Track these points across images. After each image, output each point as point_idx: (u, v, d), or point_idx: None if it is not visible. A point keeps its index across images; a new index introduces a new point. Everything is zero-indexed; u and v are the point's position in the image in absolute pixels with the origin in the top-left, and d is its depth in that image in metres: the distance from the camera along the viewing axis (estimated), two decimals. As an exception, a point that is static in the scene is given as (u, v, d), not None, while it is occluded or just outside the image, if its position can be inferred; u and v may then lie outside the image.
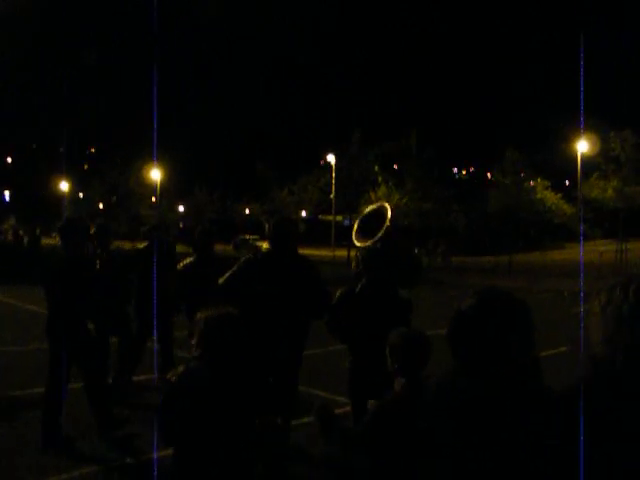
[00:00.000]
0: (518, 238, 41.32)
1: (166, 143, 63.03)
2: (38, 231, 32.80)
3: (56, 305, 6.41)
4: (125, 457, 6.24)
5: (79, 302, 6.39)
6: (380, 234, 5.86)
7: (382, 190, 46.49)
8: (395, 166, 51.64)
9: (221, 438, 3.41)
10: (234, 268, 5.67)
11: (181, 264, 7.83)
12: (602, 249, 36.13)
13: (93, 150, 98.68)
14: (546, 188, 47.48)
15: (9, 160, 79.40)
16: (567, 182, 54.27)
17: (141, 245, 8.79)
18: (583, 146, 47.58)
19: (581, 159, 47.46)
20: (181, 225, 65.60)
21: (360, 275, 5.78)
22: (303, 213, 55.92)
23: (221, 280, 5.62)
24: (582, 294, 19.37)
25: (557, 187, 51.08)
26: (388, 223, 5.96)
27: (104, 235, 8.40)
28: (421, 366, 3.54)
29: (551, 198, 46.95)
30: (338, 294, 5.71)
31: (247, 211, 66.43)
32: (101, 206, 67.06)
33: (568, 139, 48.26)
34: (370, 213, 6.26)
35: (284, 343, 5.52)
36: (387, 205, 6.17)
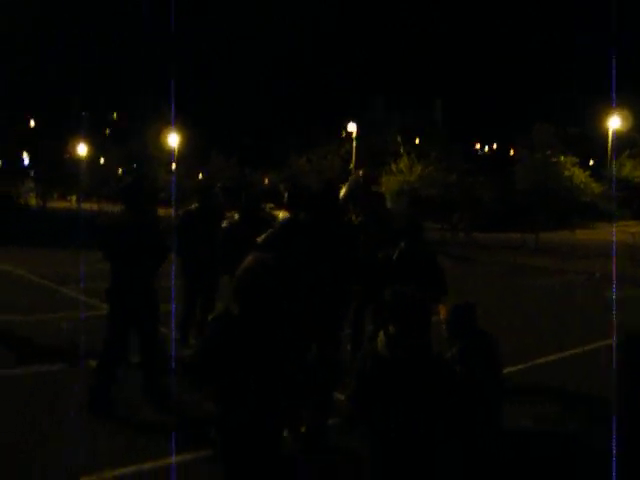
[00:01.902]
0: (545, 215, 39.73)
1: (185, 109, 62.08)
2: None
3: (122, 269, 6.45)
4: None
5: (148, 265, 6.53)
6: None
7: (404, 161, 45.00)
8: (417, 140, 50.01)
9: (252, 378, 3.52)
10: (273, 230, 5.71)
11: (225, 222, 8.11)
12: (634, 230, 34.54)
13: (115, 116, 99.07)
14: (575, 165, 45.82)
15: (32, 124, 79.05)
16: (592, 161, 52.44)
17: (193, 207, 8.82)
18: (615, 122, 45.84)
19: (612, 136, 45.76)
20: (219, 185, 64.33)
21: (396, 240, 6.11)
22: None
23: (260, 239, 5.65)
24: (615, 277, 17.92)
25: (584, 165, 49.45)
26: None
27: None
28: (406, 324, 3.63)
29: (580, 175, 45.29)
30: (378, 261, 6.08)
31: (266, 181, 65.58)
32: (120, 171, 66.85)
33: (599, 115, 46.56)
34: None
35: (323, 313, 5.47)
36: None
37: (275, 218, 7.64)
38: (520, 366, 8.87)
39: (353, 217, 6.92)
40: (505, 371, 8.17)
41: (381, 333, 3.74)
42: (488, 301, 14.20)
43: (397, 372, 3.62)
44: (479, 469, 4.41)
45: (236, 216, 7.97)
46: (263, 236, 5.70)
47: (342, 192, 6.72)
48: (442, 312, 4.52)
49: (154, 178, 56.97)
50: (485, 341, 4.60)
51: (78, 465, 5.25)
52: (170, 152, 57.45)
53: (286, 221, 5.78)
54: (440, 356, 3.96)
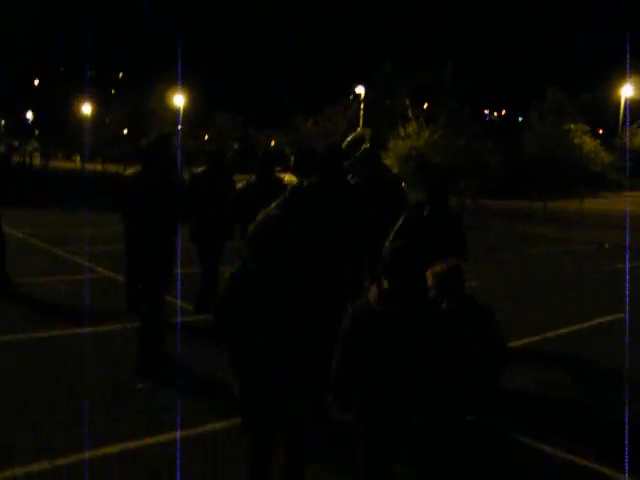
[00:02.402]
0: (553, 183, 39.26)
1: (190, 68, 61.30)
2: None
3: (140, 230, 6.51)
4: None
5: (166, 227, 6.55)
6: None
7: (412, 126, 44.34)
8: (425, 105, 49.24)
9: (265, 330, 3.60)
10: (284, 195, 5.59)
11: (239, 185, 7.96)
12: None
13: (120, 75, 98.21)
14: (585, 133, 45.19)
15: (36, 82, 78.48)
16: (601, 130, 51.70)
17: (200, 169, 8.75)
18: (628, 90, 45.14)
19: (625, 104, 45.11)
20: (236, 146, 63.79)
21: (422, 204, 6.05)
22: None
23: (272, 206, 5.43)
24: (627, 248, 17.57)
25: (595, 133, 48.79)
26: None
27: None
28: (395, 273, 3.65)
29: (590, 144, 44.68)
30: (400, 221, 6.01)
31: (272, 142, 65.03)
32: (125, 132, 66.38)
33: (612, 82, 45.83)
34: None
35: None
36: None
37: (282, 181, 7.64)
38: (531, 338, 8.57)
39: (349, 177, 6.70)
40: (518, 343, 8.07)
41: (373, 287, 3.75)
42: (497, 272, 13.91)
43: (389, 326, 3.65)
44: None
45: (252, 178, 7.77)
46: (275, 203, 5.57)
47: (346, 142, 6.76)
48: (429, 276, 4.34)
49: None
50: (474, 308, 4.37)
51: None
52: (175, 112, 56.90)
53: (296, 187, 5.72)
54: (433, 314, 4.04)
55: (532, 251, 18.17)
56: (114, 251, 11.90)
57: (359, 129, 7.44)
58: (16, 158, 60.76)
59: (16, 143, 65.88)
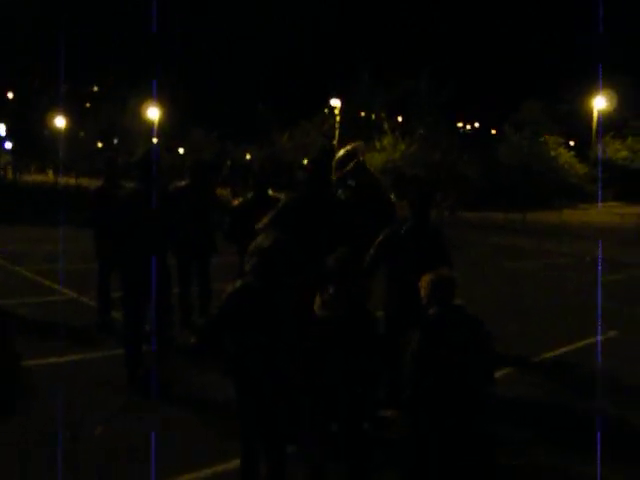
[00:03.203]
0: (531, 195, 39.28)
1: (165, 83, 60.77)
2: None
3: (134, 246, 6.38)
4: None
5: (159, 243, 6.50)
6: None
7: (388, 139, 44.28)
8: (400, 118, 49.17)
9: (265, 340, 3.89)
10: (275, 210, 5.74)
11: (236, 201, 7.87)
12: (622, 211, 34.16)
13: (95, 89, 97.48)
14: (560, 145, 45.35)
15: (10, 95, 77.59)
16: (572, 142, 51.94)
17: (182, 183, 8.51)
18: (600, 103, 45.41)
19: (598, 116, 45.38)
20: (228, 163, 63.28)
21: (405, 219, 6.04)
22: (305, 161, 53.44)
23: (263, 221, 5.69)
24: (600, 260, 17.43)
25: (569, 145, 49.02)
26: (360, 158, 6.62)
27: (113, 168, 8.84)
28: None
29: (565, 155, 44.82)
30: (382, 236, 5.97)
31: (248, 156, 64.67)
32: (100, 145, 65.75)
33: (585, 94, 46.08)
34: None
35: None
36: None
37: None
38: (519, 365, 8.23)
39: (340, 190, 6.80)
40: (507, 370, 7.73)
41: (317, 298, 4.08)
42: (480, 288, 13.57)
43: (332, 330, 3.96)
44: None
45: (249, 195, 7.53)
46: (266, 217, 5.74)
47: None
48: (421, 285, 4.43)
49: (132, 152, 56.07)
50: (463, 316, 4.40)
51: None
52: (150, 126, 56.40)
53: (287, 201, 5.82)
54: (374, 315, 4.19)
55: (513, 265, 17.94)
56: (81, 270, 11.46)
57: (355, 143, 7.08)
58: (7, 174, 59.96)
59: (8, 157, 65.12)
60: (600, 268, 16.62)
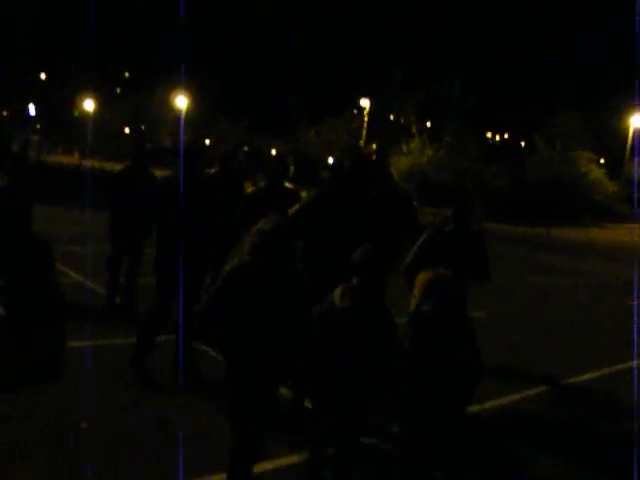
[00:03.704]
0: (558, 210, 38.47)
1: (195, 71, 60.61)
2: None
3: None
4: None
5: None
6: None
7: (415, 143, 43.60)
8: (428, 123, 48.47)
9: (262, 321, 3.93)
10: (304, 202, 5.80)
11: (250, 189, 7.72)
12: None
13: (126, 75, 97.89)
14: (591, 161, 44.44)
15: (42, 76, 78.11)
16: (602, 159, 50.96)
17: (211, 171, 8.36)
18: (638, 120, 44.45)
19: (633, 133, 44.43)
20: (245, 149, 62.91)
21: (446, 222, 6.15)
22: (330, 159, 52.79)
23: (291, 212, 5.65)
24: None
25: (600, 162, 48.07)
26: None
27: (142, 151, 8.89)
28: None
29: (595, 172, 43.92)
30: (423, 237, 6.18)
31: (273, 151, 64.30)
32: (127, 131, 65.81)
33: (620, 110, 45.11)
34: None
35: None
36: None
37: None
38: (543, 387, 7.62)
39: None
40: (532, 392, 7.17)
41: (337, 289, 4.20)
42: (504, 302, 12.96)
43: (348, 319, 4.08)
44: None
45: (262, 184, 7.43)
46: (295, 208, 5.73)
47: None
48: (417, 284, 4.40)
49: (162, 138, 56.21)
50: (458, 314, 4.37)
51: None
52: (177, 114, 56.25)
53: (318, 194, 5.80)
54: (389, 312, 4.26)
55: (538, 280, 17.26)
56: (91, 253, 11.00)
57: (361, 147, 6.70)
58: (31, 154, 59.98)
59: (36, 137, 65.32)
60: (636, 291, 15.93)
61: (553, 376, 7.95)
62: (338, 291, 4.20)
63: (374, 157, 7.36)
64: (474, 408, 6.48)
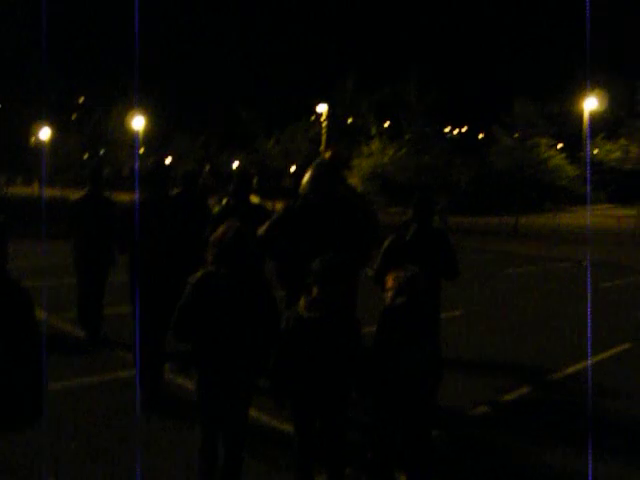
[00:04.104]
0: (522, 199, 38.71)
1: (149, 90, 60.07)
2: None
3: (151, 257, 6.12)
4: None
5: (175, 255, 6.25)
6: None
7: (376, 144, 43.57)
8: (387, 123, 48.52)
9: (229, 330, 3.99)
10: (274, 218, 5.78)
11: (216, 208, 7.37)
12: (617, 213, 33.60)
13: (81, 100, 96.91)
14: (550, 147, 44.77)
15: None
16: (560, 144, 51.36)
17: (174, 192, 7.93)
18: (591, 104, 44.90)
19: (589, 117, 44.90)
20: (207, 168, 62.36)
21: (408, 223, 6.20)
22: (292, 168, 52.57)
23: (260, 231, 5.70)
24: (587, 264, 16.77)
25: (560, 147, 48.47)
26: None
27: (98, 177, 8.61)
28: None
29: (556, 158, 44.27)
30: (387, 243, 6.18)
31: (235, 163, 63.93)
32: (86, 156, 65.10)
33: (575, 94, 45.54)
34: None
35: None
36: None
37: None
38: (531, 385, 7.49)
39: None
40: (514, 394, 7.04)
41: (302, 297, 4.16)
42: (479, 297, 12.87)
43: (316, 331, 4.05)
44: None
45: (224, 201, 7.14)
46: (265, 225, 5.74)
47: (305, 178, 6.18)
48: (388, 284, 4.40)
49: (120, 161, 55.72)
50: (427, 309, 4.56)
51: None
52: (134, 134, 55.66)
53: (289, 206, 5.79)
54: (358, 320, 4.27)
55: (510, 271, 17.24)
56: (54, 287, 10.69)
57: (327, 152, 6.47)
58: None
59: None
60: (595, 272, 15.97)
61: (539, 372, 7.81)
62: (302, 302, 4.17)
63: (330, 161, 7.11)
64: (471, 409, 6.36)
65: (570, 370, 7.80)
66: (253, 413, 5.04)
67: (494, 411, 6.50)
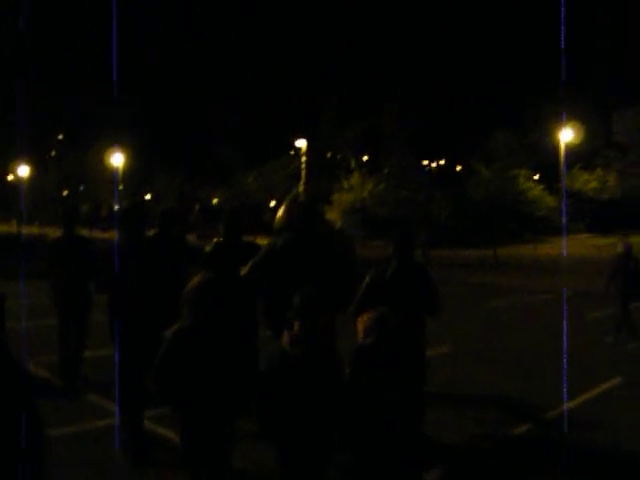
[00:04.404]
0: (502, 231, 38.84)
1: (128, 128, 60.02)
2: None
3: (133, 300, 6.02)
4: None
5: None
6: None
7: (355, 178, 43.68)
8: (365, 157, 48.70)
9: (212, 385, 4.07)
10: (255, 259, 5.82)
11: (208, 247, 6.93)
12: (597, 243, 33.77)
13: (61, 137, 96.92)
14: (528, 179, 45.09)
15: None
16: (537, 176, 51.86)
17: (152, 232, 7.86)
18: (567, 135, 45.31)
19: (564, 148, 45.27)
20: (197, 207, 61.94)
21: (389, 259, 6.17)
22: (272, 203, 52.47)
23: (242, 273, 5.76)
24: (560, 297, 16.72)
25: (539, 177, 48.87)
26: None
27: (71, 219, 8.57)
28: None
29: (535, 189, 44.59)
30: (367, 279, 6.13)
31: (215, 200, 63.85)
32: (65, 193, 64.88)
33: (551, 126, 46.00)
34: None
35: None
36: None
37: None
38: (528, 424, 7.35)
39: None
40: (516, 431, 6.89)
41: (285, 332, 4.07)
42: (465, 333, 12.71)
43: (301, 368, 3.98)
44: None
45: (219, 241, 6.90)
46: (251, 262, 5.79)
47: (279, 213, 6.35)
48: (359, 324, 4.52)
49: (100, 198, 55.62)
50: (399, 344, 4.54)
51: None
52: (113, 172, 55.50)
53: (270, 246, 5.85)
54: (340, 358, 4.22)
55: (494, 304, 17.15)
56: (33, 328, 10.46)
57: (299, 189, 6.58)
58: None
59: None
60: (579, 303, 15.87)
61: (534, 409, 7.67)
62: (284, 337, 4.14)
63: (306, 198, 7.06)
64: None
65: (566, 406, 7.65)
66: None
67: (495, 446, 6.41)
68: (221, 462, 4.25)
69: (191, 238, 19.23)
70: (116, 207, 54.77)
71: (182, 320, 4.17)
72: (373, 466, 4.32)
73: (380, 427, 4.24)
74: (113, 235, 6.68)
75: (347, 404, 4.24)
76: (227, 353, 4.13)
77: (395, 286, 6.05)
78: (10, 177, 65.19)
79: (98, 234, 45.09)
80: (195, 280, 4.25)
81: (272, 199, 51.05)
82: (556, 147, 43.56)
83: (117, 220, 6.60)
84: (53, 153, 79.70)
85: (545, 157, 47.30)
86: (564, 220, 44.87)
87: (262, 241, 6.89)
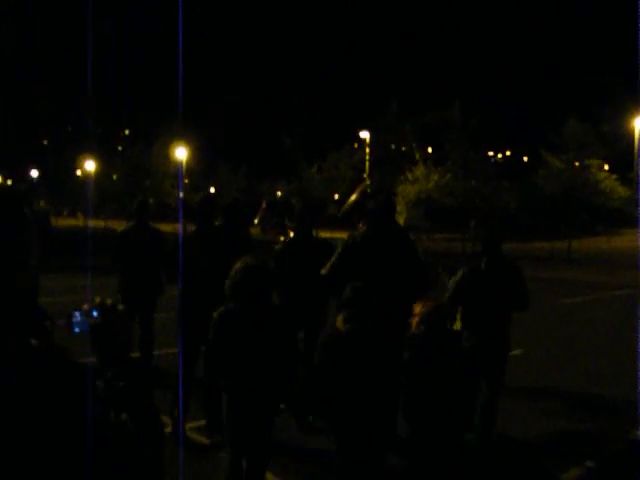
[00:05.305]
0: (573, 223, 37.66)
1: (192, 121, 60.60)
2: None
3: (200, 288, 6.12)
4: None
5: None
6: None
7: (420, 169, 42.95)
8: (429, 149, 47.88)
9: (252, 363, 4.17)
10: (335, 256, 5.91)
11: (280, 244, 7.46)
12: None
13: (127, 132, 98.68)
14: (600, 169, 43.65)
15: (45, 142, 79.28)
16: (606, 166, 50.13)
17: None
18: (641, 123, 43.70)
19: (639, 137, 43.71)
20: (264, 205, 62.69)
21: (478, 254, 6.30)
22: (336, 196, 51.98)
23: (323, 271, 5.90)
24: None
25: (611, 168, 47.35)
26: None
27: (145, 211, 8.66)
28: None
29: (608, 180, 43.14)
30: (461, 273, 6.20)
31: (279, 193, 63.87)
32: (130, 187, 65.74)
33: (625, 113, 44.43)
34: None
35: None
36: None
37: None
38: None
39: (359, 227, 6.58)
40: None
41: (339, 316, 4.43)
42: (539, 333, 12.06)
43: (356, 343, 4.26)
44: None
45: (291, 234, 7.44)
46: (327, 266, 5.89)
47: (348, 203, 6.74)
48: (416, 309, 4.73)
49: (163, 192, 56.28)
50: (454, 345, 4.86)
51: None
52: (177, 166, 56.04)
53: (349, 239, 5.94)
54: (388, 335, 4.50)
55: (568, 301, 16.38)
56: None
57: (368, 181, 6.56)
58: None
59: (42, 202, 65.50)
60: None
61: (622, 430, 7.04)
62: (340, 317, 4.43)
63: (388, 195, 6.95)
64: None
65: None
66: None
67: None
68: (262, 444, 4.33)
69: (255, 232, 19.00)
70: (177, 201, 55.52)
71: (226, 303, 4.33)
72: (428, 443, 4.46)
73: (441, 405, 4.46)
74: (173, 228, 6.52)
75: (406, 383, 4.50)
76: (266, 338, 4.25)
77: (487, 282, 6.13)
78: (78, 172, 66.51)
79: (164, 227, 45.40)
80: (237, 264, 4.37)
81: (335, 192, 50.62)
82: (630, 136, 42.05)
83: (193, 212, 6.83)
84: (120, 148, 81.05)
85: (618, 147, 45.65)
86: (639, 211, 43.29)
87: (324, 234, 6.72)
